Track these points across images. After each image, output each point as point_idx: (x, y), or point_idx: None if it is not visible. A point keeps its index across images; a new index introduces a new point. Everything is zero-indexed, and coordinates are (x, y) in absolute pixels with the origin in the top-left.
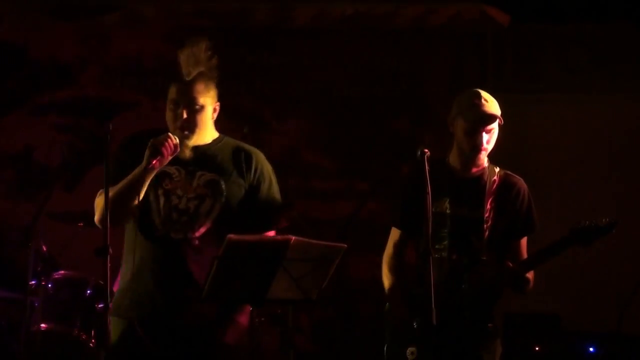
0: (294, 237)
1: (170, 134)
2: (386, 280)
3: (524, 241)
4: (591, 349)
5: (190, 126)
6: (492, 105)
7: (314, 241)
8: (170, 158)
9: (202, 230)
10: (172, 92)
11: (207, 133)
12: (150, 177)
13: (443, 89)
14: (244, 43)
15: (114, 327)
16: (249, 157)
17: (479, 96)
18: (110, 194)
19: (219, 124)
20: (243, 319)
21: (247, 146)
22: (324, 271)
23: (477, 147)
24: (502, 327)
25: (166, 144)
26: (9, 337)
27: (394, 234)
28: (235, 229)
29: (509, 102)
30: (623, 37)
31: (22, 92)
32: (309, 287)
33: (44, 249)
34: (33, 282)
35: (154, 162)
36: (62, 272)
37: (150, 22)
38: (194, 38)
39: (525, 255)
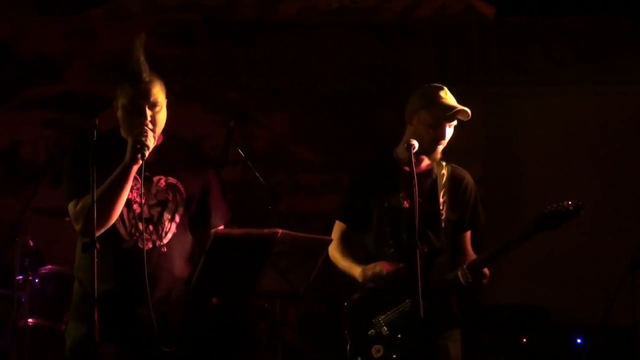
0: (280, 231)
1: (146, 129)
2: (343, 262)
3: (468, 234)
4: (578, 341)
5: (154, 127)
6: (452, 100)
7: (301, 234)
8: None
9: (169, 236)
10: (129, 93)
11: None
12: (135, 172)
13: (428, 82)
14: (229, 37)
15: (73, 331)
16: (201, 156)
17: (443, 90)
18: (96, 197)
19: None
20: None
21: (195, 144)
22: (311, 264)
23: (438, 141)
24: (463, 316)
25: (147, 135)
26: None
27: (338, 227)
28: (197, 229)
29: (495, 95)
30: (608, 29)
31: (7, 87)
32: (296, 280)
33: (31, 244)
34: (20, 277)
35: (139, 155)
36: (49, 267)
37: (136, 16)
38: (139, 36)
39: (469, 247)
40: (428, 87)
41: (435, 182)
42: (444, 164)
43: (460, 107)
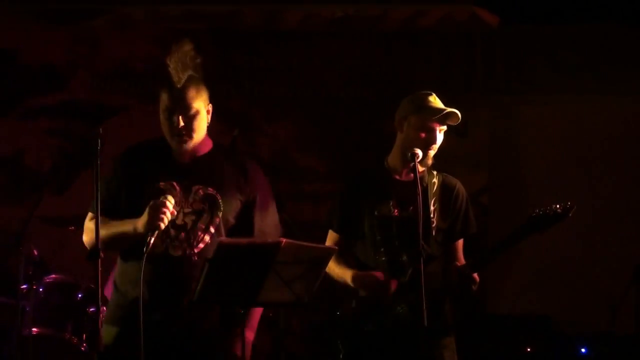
0: (284, 240)
1: (167, 196)
2: (338, 270)
3: (460, 243)
4: (583, 350)
5: (188, 132)
6: (443, 105)
7: (305, 243)
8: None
9: (201, 246)
10: (165, 99)
11: (203, 141)
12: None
13: (432, 90)
14: (233, 45)
15: (107, 334)
16: (246, 170)
17: (433, 96)
18: (102, 232)
19: (209, 127)
20: (249, 333)
21: (244, 158)
22: (316, 274)
23: (430, 145)
24: (458, 326)
25: (164, 218)
26: (1, 342)
27: (331, 237)
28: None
29: (499, 103)
30: (612, 38)
31: (12, 96)
32: (300, 289)
33: (35, 253)
34: (24, 286)
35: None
36: (54, 276)
37: (140, 25)
38: (179, 42)
39: (461, 257)
40: (416, 94)
41: (425, 190)
42: (435, 172)
43: (449, 109)
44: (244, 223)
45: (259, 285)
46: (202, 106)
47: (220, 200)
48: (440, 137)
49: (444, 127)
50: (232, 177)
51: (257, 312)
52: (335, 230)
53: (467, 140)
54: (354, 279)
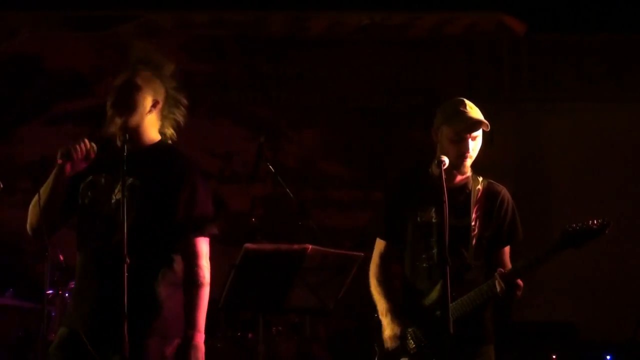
0: (311, 246)
1: (85, 139)
2: (376, 294)
3: (507, 250)
4: (608, 358)
5: (123, 105)
6: (476, 112)
7: (331, 250)
8: (82, 162)
9: (120, 236)
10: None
11: (144, 128)
12: (63, 183)
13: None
14: (259, 53)
15: (59, 336)
16: (174, 162)
17: (464, 104)
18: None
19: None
20: (199, 336)
21: (177, 149)
22: (341, 280)
23: (463, 154)
24: (495, 333)
25: (77, 146)
26: (27, 347)
27: (379, 245)
28: (155, 235)
29: (525, 111)
30: (638, 47)
31: (38, 102)
32: (326, 296)
33: (61, 258)
34: (50, 291)
35: (64, 165)
36: None
37: (166, 32)
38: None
39: (508, 263)
40: (448, 103)
41: (468, 197)
42: (480, 179)
43: (477, 117)
44: (167, 215)
45: (286, 291)
46: (147, 89)
47: (140, 191)
48: (473, 144)
49: (477, 134)
50: (159, 168)
51: (202, 311)
52: (382, 237)
53: (493, 148)
54: (380, 312)
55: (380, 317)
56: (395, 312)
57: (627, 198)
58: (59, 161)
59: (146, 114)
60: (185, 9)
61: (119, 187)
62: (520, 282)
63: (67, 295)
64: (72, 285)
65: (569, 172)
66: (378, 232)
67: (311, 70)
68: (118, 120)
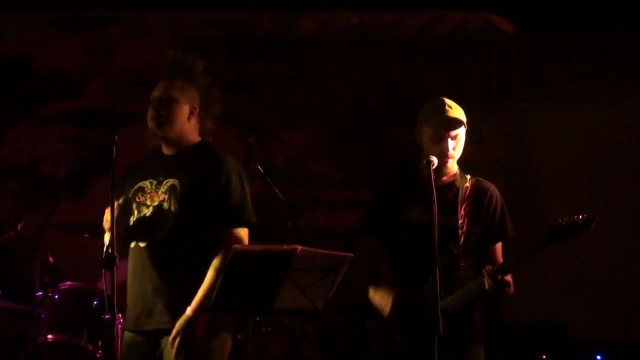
0: (300, 247)
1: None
2: (369, 288)
3: (498, 246)
4: (598, 357)
5: (161, 119)
6: (455, 111)
7: (321, 251)
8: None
9: (162, 236)
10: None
11: (184, 135)
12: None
13: (448, 97)
14: (248, 53)
15: (125, 342)
16: (209, 158)
17: (443, 103)
18: None
19: (224, 133)
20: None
21: (214, 149)
22: (331, 281)
23: (444, 154)
24: (486, 332)
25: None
26: (17, 349)
27: (368, 242)
28: (197, 231)
29: (514, 111)
30: (627, 45)
31: (27, 103)
32: (316, 297)
33: (51, 260)
34: (40, 293)
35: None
36: (69, 283)
37: (154, 33)
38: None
39: (500, 260)
40: (429, 103)
41: (456, 195)
42: (468, 176)
43: (454, 116)
44: (206, 213)
45: (275, 292)
46: (182, 99)
47: (180, 191)
48: (453, 144)
49: (457, 133)
50: (198, 167)
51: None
52: (370, 236)
53: (482, 148)
54: (371, 296)
55: (371, 299)
56: (383, 291)
57: (617, 196)
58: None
59: (185, 123)
60: (174, 10)
61: (162, 188)
62: (509, 279)
63: (56, 296)
64: (63, 287)
65: (559, 171)
66: (364, 230)
67: (300, 71)
68: (159, 133)
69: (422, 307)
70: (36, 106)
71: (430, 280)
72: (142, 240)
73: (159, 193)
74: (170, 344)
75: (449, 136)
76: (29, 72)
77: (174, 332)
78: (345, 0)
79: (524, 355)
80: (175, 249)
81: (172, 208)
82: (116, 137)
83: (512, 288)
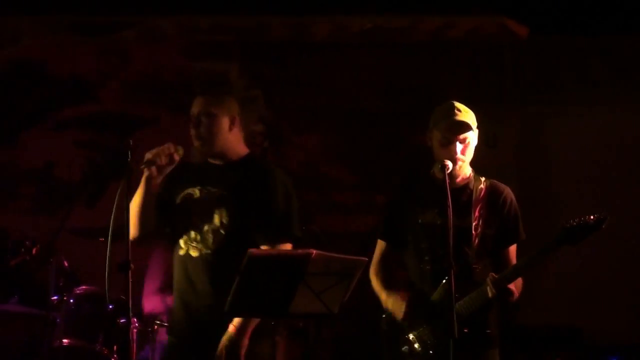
0: (315, 251)
1: (169, 144)
2: (378, 289)
3: (512, 249)
4: None
5: (200, 136)
6: (465, 115)
7: (335, 255)
8: (168, 166)
9: (214, 246)
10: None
11: (229, 147)
12: (153, 186)
13: (461, 102)
14: (261, 58)
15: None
16: (262, 173)
17: (453, 107)
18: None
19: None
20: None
21: (265, 163)
22: (346, 285)
23: (452, 158)
24: (501, 336)
25: (160, 152)
26: (32, 353)
27: (380, 246)
28: (246, 243)
29: (528, 115)
30: None
31: (42, 108)
32: (330, 301)
33: (65, 264)
34: (55, 297)
35: (150, 170)
36: (84, 287)
37: (168, 37)
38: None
39: (514, 262)
40: (439, 107)
41: (470, 197)
42: (482, 179)
43: (460, 119)
44: (258, 224)
45: (290, 297)
46: (221, 112)
47: (231, 202)
48: (462, 148)
49: (467, 137)
50: (248, 179)
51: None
52: (382, 239)
53: (495, 151)
54: (385, 301)
55: (385, 304)
56: (397, 294)
57: (631, 200)
58: (142, 168)
59: (228, 135)
60: (188, 15)
61: (212, 198)
62: (512, 287)
63: (72, 301)
64: (78, 291)
65: (572, 175)
66: (379, 233)
67: (314, 75)
68: (204, 150)
69: (436, 311)
70: (51, 110)
71: (445, 283)
72: (194, 250)
73: (209, 203)
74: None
75: (457, 140)
76: (44, 77)
77: (219, 348)
78: (359, 4)
79: (539, 359)
80: (226, 260)
81: (224, 220)
82: (131, 141)
83: (515, 295)
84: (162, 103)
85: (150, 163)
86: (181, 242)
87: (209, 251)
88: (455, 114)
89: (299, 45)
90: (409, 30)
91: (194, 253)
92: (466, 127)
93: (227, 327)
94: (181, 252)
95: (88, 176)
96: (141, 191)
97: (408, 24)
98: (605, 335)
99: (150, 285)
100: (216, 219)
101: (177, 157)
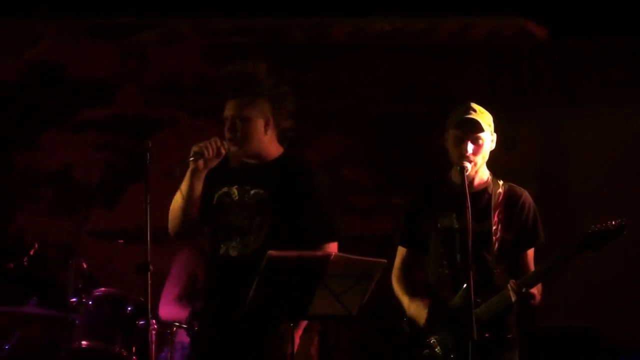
0: (334, 253)
1: (215, 138)
2: (400, 295)
3: (530, 253)
4: None
5: (236, 139)
6: (479, 115)
7: (354, 257)
8: (215, 159)
9: (255, 246)
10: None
11: (264, 148)
12: (200, 181)
13: (480, 104)
14: (281, 60)
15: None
16: (300, 172)
17: (469, 107)
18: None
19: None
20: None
21: (304, 162)
22: (365, 287)
23: (463, 156)
24: (521, 338)
25: (207, 144)
26: (51, 355)
27: (400, 252)
28: (288, 244)
29: (547, 117)
30: None
31: (61, 110)
32: (349, 303)
33: (84, 266)
34: (74, 299)
35: (197, 163)
36: (103, 289)
37: (188, 39)
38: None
39: (532, 266)
40: (457, 108)
41: (489, 201)
42: (500, 182)
43: (473, 117)
44: (298, 225)
45: (309, 298)
46: (254, 115)
47: (271, 203)
48: (474, 148)
49: (480, 137)
50: (286, 179)
51: None
52: (402, 245)
53: (515, 154)
54: (407, 307)
55: (407, 310)
56: (419, 301)
57: None
58: (191, 159)
59: (263, 137)
60: (207, 17)
61: (251, 198)
62: (534, 291)
63: (90, 303)
64: (97, 293)
65: (592, 178)
66: (399, 239)
67: (333, 77)
68: (240, 154)
69: (457, 315)
70: (70, 113)
71: (465, 288)
72: (233, 250)
73: (248, 203)
74: None
75: (469, 138)
76: (63, 79)
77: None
78: (378, 6)
79: None
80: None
81: (265, 221)
82: (150, 143)
83: (537, 299)
84: (181, 106)
85: (197, 155)
86: (220, 241)
87: (248, 251)
88: (469, 113)
89: (318, 48)
90: (428, 33)
91: (233, 253)
92: (478, 126)
93: (259, 329)
94: (220, 252)
95: (107, 178)
96: (186, 185)
97: (427, 26)
98: (624, 336)
99: (169, 293)
100: (257, 220)
101: (223, 151)
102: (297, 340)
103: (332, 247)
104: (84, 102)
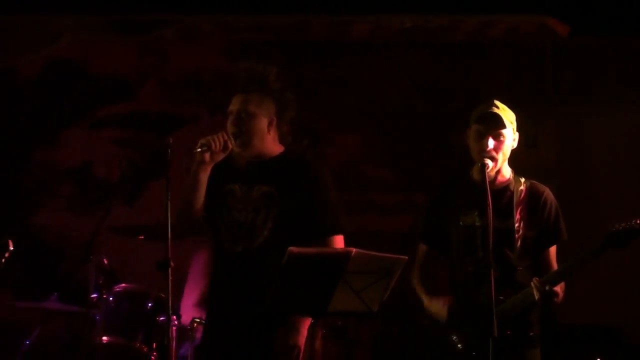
0: (355, 250)
1: (222, 132)
2: (420, 292)
3: (552, 250)
4: None
5: (240, 133)
6: (501, 111)
7: (375, 253)
8: (221, 152)
9: (260, 241)
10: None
11: (266, 147)
12: (205, 173)
13: (501, 101)
14: (301, 57)
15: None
16: (304, 166)
17: (492, 103)
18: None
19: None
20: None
21: (305, 156)
22: (386, 283)
23: (482, 152)
24: (542, 336)
25: (215, 137)
26: (71, 351)
27: (421, 249)
28: (293, 238)
29: (568, 115)
30: None
31: (81, 106)
32: (370, 299)
33: (105, 262)
34: (94, 295)
35: (203, 156)
36: (123, 285)
37: (208, 36)
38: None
39: (554, 264)
40: (481, 105)
41: (511, 199)
42: (522, 180)
43: (494, 112)
44: (303, 219)
45: (329, 295)
46: (260, 112)
47: (276, 197)
48: (493, 143)
49: (501, 133)
50: (290, 174)
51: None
52: (423, 242)
53: (536, 152)
54: (428, 306)
55: (427, 308)
56: (440, 300)
57: None
58: (198, 150)
59: (265, 136)
60: (228, 14)
61: (255, 194)
62: (557, 289)
63: (111, 299)
64: (117, 289)
65: (613, 175)
66: (420, 236)
67: (354, 74)
68: (241, 150)
69: (478, 312)
70: (90, 109)
71: (486, 284)
72: (238, 245)
73: (253, 199)
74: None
75: (490, 134)
76: (83, 75)
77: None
78: (398, 3)
79: (578, 359)
80: (271, 257)
81: (270, 216)
82: (171, 140)
83: (560, 297)
84: (201, 102)
85: (204, 146)
86: (225, 237)
87: (254, 246)
88: (492, 109)
89: (339, 45)
90: (448, 30)
91: (238, 248)
92: (500, 121)
93: (267, 324)
94: (226, 247)
95: (127, 175)
96: (192, 178)
97: (448, 23)
98: None
99: (189, 298)
100: (262, 215)
101: (230, 145)
102: (304, 333)
103: (338, 240)
104: (104, 99)
